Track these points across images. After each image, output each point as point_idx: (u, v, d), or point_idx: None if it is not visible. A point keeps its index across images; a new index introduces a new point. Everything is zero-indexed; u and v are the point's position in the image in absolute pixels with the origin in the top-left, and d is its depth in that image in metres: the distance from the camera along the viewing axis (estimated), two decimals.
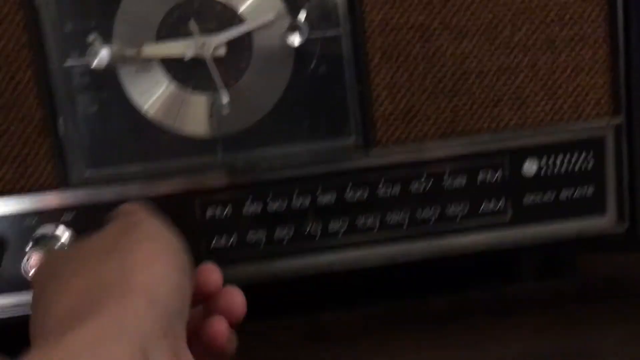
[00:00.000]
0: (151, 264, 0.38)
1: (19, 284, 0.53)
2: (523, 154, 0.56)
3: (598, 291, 0.57)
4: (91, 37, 0.51)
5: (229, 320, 0.44)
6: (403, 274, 0.61)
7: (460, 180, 0.56)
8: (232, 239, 0.56)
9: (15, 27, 0.52)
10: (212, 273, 0.45)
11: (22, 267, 0.53)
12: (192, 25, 0.52)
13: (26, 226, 0.54)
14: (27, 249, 0.53)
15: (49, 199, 0.54)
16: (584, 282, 0.59)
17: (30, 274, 0.52)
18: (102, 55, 0.51)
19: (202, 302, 0.45)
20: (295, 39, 0.52)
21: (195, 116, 0.54)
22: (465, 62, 0.55)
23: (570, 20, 0.55)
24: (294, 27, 0.52)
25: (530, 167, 0.56)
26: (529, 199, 0.57)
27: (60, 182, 0.54)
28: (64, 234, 0.54)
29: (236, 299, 0.45)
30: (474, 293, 0.58)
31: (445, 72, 0.55)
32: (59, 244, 0.53)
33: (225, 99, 0.53)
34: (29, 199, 0.54)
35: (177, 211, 0.54)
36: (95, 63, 0.51)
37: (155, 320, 0.36)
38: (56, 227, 0.54)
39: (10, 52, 0.52)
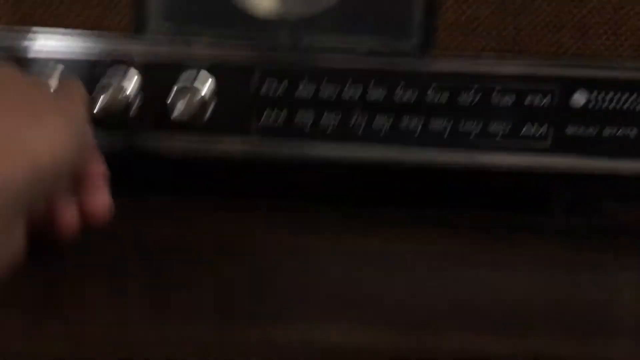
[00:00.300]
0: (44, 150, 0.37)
1: None
2: (575, 83, 0.56)
3: (621, 236, 0.57)
4: None
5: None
6: (435, 184, 0.62)
7: (508, 100, 0.57)
8: (281, 115, 0.58)
9: None
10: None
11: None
12: None
13: (100, 64, 0.57)
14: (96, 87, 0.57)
15: (124, 44, 0.57)
16: (609, 226, 0.59)
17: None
18: None
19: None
20: None
21: None
22: None
23: None
24: None
25: (579, 98, 0.56)
26: (571, 129, 0.57)
27: (138, 28, 0.57)
28: (132, 76, 0.57)
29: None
30: (500, 215, 0.59)
31: None
32: (127, 85, 0.57)
33: None
34: (107, 40, 0.57)
35: (237, 80, 0.57)
36: None
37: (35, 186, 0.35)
38: (126, 71, 0.57)
39: None
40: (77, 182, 0.44)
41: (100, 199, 0.44)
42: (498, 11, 0.55)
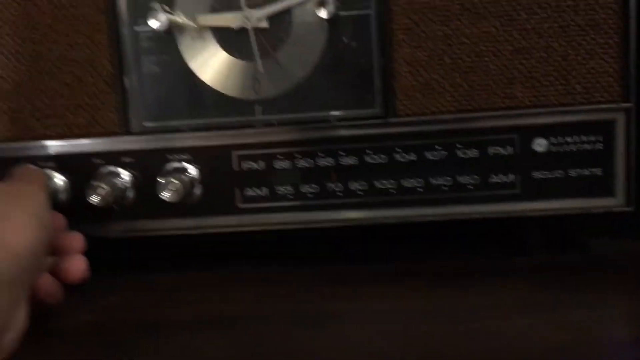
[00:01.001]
0: (18, 236, 0.42)
1: None
2: (533, 131, 0.57)
3: (603, 268, 0.56)
4: (154, 5, 0.57)
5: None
6: (414, 238, 0.63)
7: (473, 153, 0.58)
8: (263, 190, 0.60)
9: None
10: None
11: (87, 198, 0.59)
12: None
13: (93, 164, 0.60)
14: (93, 182, 0.60)
15: (112, 144, 0.60)
16: (589, 260, 0.58)
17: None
18: (162, 20, 0.57)
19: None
20: (323, 13, 0.55)
21: (239, 80, 0.59)
22: (482, 42, 0.56)
23: (584, 8, 0.55)
24: (322, 2, 0.56)
25: (540, 144, 0.57)
26: (538, 174, 0.58)
27: (123, 130, 0.60)
28: (123, 172, 0.60)
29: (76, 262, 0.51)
30: (480, 260, 0.59)
31: (463, 51, 0.57)
32: (119, 179, 0.60)
33: (262, 67, 0.58)
34: (97, 142, 0.60)
35: (218, 161, 0.59)
36: (155, 26, 0.57)
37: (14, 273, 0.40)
38: (117, 167, 0.60)
39: (90, 16, 0.59)
40: (55, 253, 0.51)
41: (76, 264, 0.51)
42: (450, 72, 0.57)
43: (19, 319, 0.43)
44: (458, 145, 0.57)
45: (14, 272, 0.41)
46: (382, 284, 0.56)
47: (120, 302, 0.55)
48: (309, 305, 0.52)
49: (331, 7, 0.54)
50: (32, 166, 0.57)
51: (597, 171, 0.56)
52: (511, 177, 0.57)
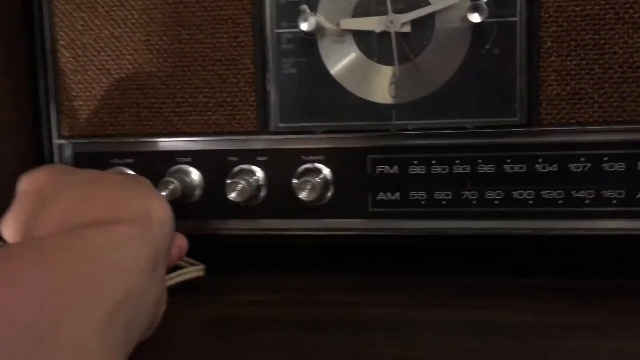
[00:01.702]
0: (165, 210, 0.43)
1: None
2: None
3: None
4: (303, 7, 0.56)
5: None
6: (552, 253, 0.59)
7: (619, 166, 0.53)
8: (396, 195, 0.57)
9: None
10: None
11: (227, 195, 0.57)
12: (386, 3, 0.55)
13: (229, 162, 0.59)
14: (228, 180, 0.58)
15: (249, 142, 0.59)
16: None
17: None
18: (310, 22, 0.55)
19: None
20: (476, 17, 0.53)
21: (377, 84, 0.57)
22: (636, 53, 0.52)
23: None
24: (475, 7, 0.53)
25: None
26: None
27: (260, 129, 0.58)
28: (257, 170, 0.58)
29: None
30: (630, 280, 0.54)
31: (615, 61, 0.53)
32: (254, 178, 0.58)
33: (401, 72, 0.55)
34: (234, 140, 0.59)
35: (352, 164, 0.57)
36: (304, 27, 0.55)
37: (166, 246, 0.42)
38: (251, 165, 0.59)
39: (237, 17, 0.58)
40: None
41: (180, 242, 0.51)
42: (600, 82, 0.53)
43: (163, 292, 0.43)
44: (604, 158, 0.53)
45: (167, 243, 0.42)
46: (524, 297, 0.52)
47: (253, 300, 0.53)
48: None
49: (484, 12, 0.51)
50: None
51: None
52: None
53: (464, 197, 0.55)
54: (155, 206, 0.43)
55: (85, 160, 0.59)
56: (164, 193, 0.55)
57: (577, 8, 0.52)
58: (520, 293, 0.52)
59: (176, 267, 0.53)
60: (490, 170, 0.54)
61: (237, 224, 0.58)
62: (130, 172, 0.57)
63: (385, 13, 0.54)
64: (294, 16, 0.55)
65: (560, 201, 0.53)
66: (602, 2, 0.51)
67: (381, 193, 0.56)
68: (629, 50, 0.51)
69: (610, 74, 0.52)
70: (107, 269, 0.35)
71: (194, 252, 0.54)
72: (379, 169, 0.56)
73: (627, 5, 0.51)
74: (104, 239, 0.37)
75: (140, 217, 0.41)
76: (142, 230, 0.40)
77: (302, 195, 0.54)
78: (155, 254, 0.40)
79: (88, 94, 0.59)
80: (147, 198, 0.43)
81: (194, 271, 0.54)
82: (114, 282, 0.35)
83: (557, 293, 0.52)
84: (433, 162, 0.55)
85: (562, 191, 0.53)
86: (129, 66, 0.58)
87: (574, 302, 0.51)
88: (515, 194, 0.54)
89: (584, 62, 0.52)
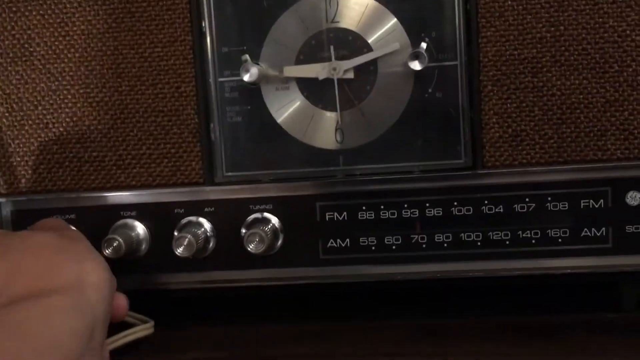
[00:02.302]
0: (100, 272, 0.42)
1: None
2: (626, 184, 0.53)
3: None
4: (244, 57, 0.55)
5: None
6: (499, 291, 0.59)
7: (563, 206, 0.54)
8: (346, 242, 0.56)
9: (184, 48, 0.56)
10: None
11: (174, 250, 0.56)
12: (329, 50, 0.55)
13: (175, 214, 0.57)
14: (175, 234, 0.57)
15: (195, 193, 0.57)
16: None
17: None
18: (252, 72, 0.54)
19: None
20: (416, 65, 0.53)
21: (322, 130, 0.56)
22: (573, 94, 0.53)
23: None
24: (415, 55, 0.53)
25: (633, 197, 0.53)
26: (631, 228, 0.53)
27: (206, 179, 0.57)
28: (204, 222, 0.57)
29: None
30: (571, 316, 0.55)
31: (554, 103, 0.53)
32: (202, 230, 0.56)
33: (346, 118, 0.55)
34: (180, 192, 0.57)
35: (301, 212, 0.56)
36: (246, 78, 0.54)
37: (103, 310, 0.41)
38: (198, 217, 0.57)
39: (178, 67, 0.57)
40: None
41: (120, 300, 0.49)
42: (540, 124, 0.53)
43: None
44: (548, 198, 0.53)
45: (105, 307, 0.41)
46: (474, 338, 0.51)
47: (202, 358, 0.51)
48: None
49: (424, 60, 0.52)
50: (51, 219, 0.54)
51: None
52: (603, 230, 0.53)
53: (413, 241, 0.54)
54: (89, 270, 0.41)
55: (25, 217, 0.56)
56: (107, 251, 0.52)
57: (515, 52, 0.52)
58: (471, 333, 0.52)
59: (125, 325, 0.51)
60: (438, 213, 0.54)
61: (186, 277, 0.56)
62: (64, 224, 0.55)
63: (328, 60, 0.53)
64: (237, 64, 0.54)
65: (507, 242, 0.53)
66: (539, 45, 0.52)
67: (331, 240, 0.55)
68: (566, 91, 0.52)
69: (550, 116, 0.53)
70: (39, 345, 0.34)
71: (143, 308, 0.52)
72: (328, 215, 0.55)
73: (562, 48, 0.52)
74: (36, 313, 0.36)
75: (73, 284, 0.39)
76: (75, 299, 0.39)
77: (251, 247, 0.53)
78: (92, 322, 0.39)
79: (26, 149, 0.56)
80: (80, 262, 0.42)
81: (142, 330, 0.52)
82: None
83: (507, 332, 0.52)
84: (382, 207, 0.54)
85: (508, 232, 0.53)
86: (68, 119, 0.56)
87: (523, 340, 0.51)
88: (464, 236, 0.54)
89: (523, 104, 0.53)
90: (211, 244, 0.56)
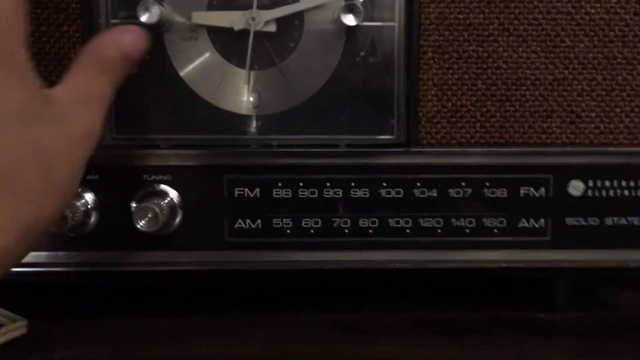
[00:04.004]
0: None
1: None
2: (570, 172, 0.47)
3: (635, 327, 0.47)
4: None
5: None
6: (429, 283, 0.52)
7: (501, 192, 0.47)
8: (257, 223, 0.47)
9: None
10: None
11: None
12: None
13: None
14: None
15: None
16: (622, 317, 0.48)
17: None
18: (154, 12, 0.44)
19: None
20: (350, 20, 0.44)
21: (235, 91, 0.47)
22: (520, 68, 0.46)
23: (633, 40, 0.46)
24: (350, 8, 0.44)
25: (576, 187, 0.47)
26: (571, 220, 0.48)
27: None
28: (86, 193, 0.46)
29: None
30: (503, 312, 0.49)
31: (499, 77, 0.46)
32: (82, 202, 0.45)
33: (264, 78, 0.46)
34: None
35: (205, 186, 0.46)
36: (145, 19, 0.43)
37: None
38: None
39: (61, 2, 0.45)
40: None
41: None
42: (483, 99, 0.46)
43: None
44: (486, 183, 0.46)
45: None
46: (398, 334, 0.44)
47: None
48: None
49: (360, 14, 0.43)
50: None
51: (636, 220, 0.47)
52: (542, 222, 0.47)
53: (335, 225, 0.46)
54: None
55: None
56: None
57: (460, 16, 0.45)
58: (393, 329, 0.45)
59: None
60: (364, 195, 0.46)
61: (59, 258, 0.45)
62: None
63: (246, 8, 0.44)
64: (134, 3, 0.43)
65: (439, 230, 0.46)
66: (487, 10, 0.45)
67: (240, 220, 0.46)
68: (512, 65, 0.45)
69: (493, 91, 0.46)
70: None
71: (11, 303, 0.41)
72: (237, 191, 0.45)
73: (512, 16, 0.45)
74: None
75: None
76: None
77: (142, 224, 0.43)
78: None
79: None
80: None
81: (13, 329, 0.41)
82: None
83: (431, 328, 0.45)
84: (300, 184, 0.46)
85: (440, 219, 0.46)
86: None
87: (450, 338, 0.45)
88: (391, 222, 0.46)
89: (466, 76, 0.45)
90: (92, 219, 0.45)
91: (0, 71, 0.32)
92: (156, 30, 0.44)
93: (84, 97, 0.36)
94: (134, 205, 0.45)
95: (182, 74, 0.45)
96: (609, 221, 0.47)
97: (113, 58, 0.38)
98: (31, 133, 0.32)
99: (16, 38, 0.33)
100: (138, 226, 0.43)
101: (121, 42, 0.39)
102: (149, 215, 0.43)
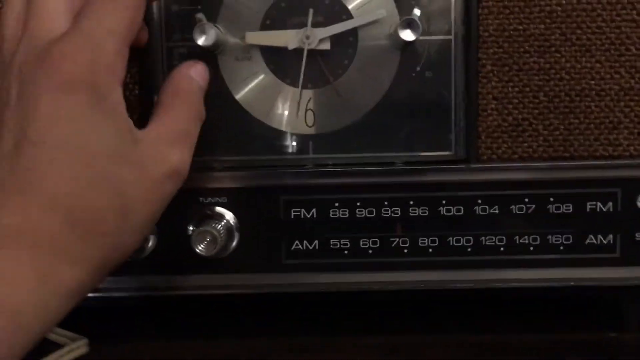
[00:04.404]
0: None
1: None
2: (639, 186, 0.45)
3: None
4: (199, 16, 0.43)
5: None
6: (492, 304, 0.50)
7: (567, 208, 0.45)
8: (314, 244, 0.46)
9: None
10: None
11: None
12: (301, 15, 0.44)
13: None
14: None
15: None
16: None
17: None
18: (210, 34, 0.43)
19: None
20: (408, 35, 0.43)
21: (290, 111, 0.46)
22: (584, 79, 0.44)
23: None
24: (408, 23, 0.43)
25: None
26: None
27: None
28: None
29: None
30: (573, 335, 0.46)
31: (562, 88, 0.45)
32: None
33: (319, 97, 0.45)
34: None
35: (261, 207, 0.45)
36: (201, 41, 0.43)
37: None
38: None
39: None
40: None
41: None
42: (545, 112, 0.45)
43: None
44: (550, 199, 0.44)
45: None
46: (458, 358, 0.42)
47: None
48: None
49: (418, 28, 0.42)
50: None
51: None
52: (610, 238, 0.44)
53: (393, 244, 0.45)
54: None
55: None
56: None
57: (520, 27, 0.43)
58: (453, 351, 0.43)
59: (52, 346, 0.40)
60: (423, 213, 0.44)
61: (118, 283, 0.45)
62: None
63: (299, 26, 0.43)
64: (189, 27, 0.42)
65: (501, 248, 0.44)
66: (548, 20, 0.43)
67: (297, 242, 0.45)
68: (576, 76, 0.43)
69: (556, 103, 0.44)
70: None
71: (72, 323, 0.41)
72: (294, 212, 0.44)
73: (574, 25, 0.43)
74: None
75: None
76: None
77: (200, 248, 0.42)
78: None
79: None
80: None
81: (75, 349, 0.41)
82: None
83: (495, 351, 0.43)
84: (357, 204, 0.44)
85: (503, 237, 0.44)
86: None
87: None
88: (452, 240, 0.45)
89: (527, 89, 0.44)
90: (150, 243, 0.44)
91: (95, 112, 0.32)
92: (211, 52, 0.43)
93: (172, 136, 0.36)
94: (191, 228, 0.44)
95: (236, 95, 0.45)
96: None
97: (192, 90, 0.38)
98: (115, 175, 0.32)
99: (113, 79, 0.33)
100: (197, 250, 0.42)
101: (192, 75, 0.39)
102: (208, 239, 0.42)
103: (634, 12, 0.43)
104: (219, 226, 0.44)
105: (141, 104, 0.44)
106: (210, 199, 0.45)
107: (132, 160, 0.33)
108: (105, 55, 0.34)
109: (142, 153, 0.34)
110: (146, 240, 0.44)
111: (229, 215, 0.45)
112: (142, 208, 0.33)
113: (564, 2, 0.43)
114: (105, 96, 0.33)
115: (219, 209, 0.45)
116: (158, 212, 0.35)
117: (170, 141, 0.36)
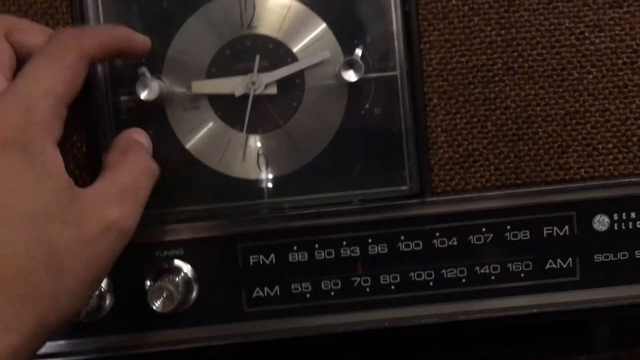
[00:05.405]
0: None
1: None
2: (593, 207, 0.45)
3: None
4: (141, 70, 0.43)
5: None
6: (457, 336, 0.49)
7: (524, 235, 0.45)
8: (275, 289, 0.45)
9: None
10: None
11: None
12: (247, 61, 0.44)
13: None
14: None
15: None
16: None
17: None
18: (152, 88, 0.42)
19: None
20: (351, 76, 0.43)
21: (242, 158, 0.45)
22: (530, 106, 0.45)
23: None
24: (350, 64, 0.43)
25: (601, 221, 0.45)
26: (600, 257, 0.45)
27: None
28: None
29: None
30: (541, 358, 0.46)
31: (508, 117, 0.45)
32: None
33: (269, 141, 0.44)
34: None
35: (219, 257, 0.44)
36: (144, 95, 0.42)
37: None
38: None
39: None
40: None
41: None
42: (494, 141, 0.44)
43: None
44: (507, 227, 0.44)
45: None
46: None
47: None
48: None
49: (360, 69, 0.41)
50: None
51: None
52: (570, 261, 0.44)
53: (355, 284, 0.44)
54: None
55: None
56: None
57: (463, 59, 0.43)
58: None
59: None
60: (382, 250, 0.44)
61: (76, 346, 0.43)
62: None
63: (245, 72, 0.42)
64: (134, 80, 0.42)
65: (463, 280, 0.44)
66: (489, 51, 0.43)
67: (257, 289, 0.44)
68: (521, 103, 0.43)
69: (504, 132, 0.44)
70: None
71: None
72: (252, 259, 0.43)
73: (515, 54, 0.43)
74: None
75: None
76: None
77: (157, 305, 0.40)
78: None
79: None
80: None
81: None
82: None
83: None
84: (316, 246, 0.43)
85: (464, 268, 0.44)
86: None
87: None
88: (414, 275, 0.44)
89: (474, 119, 0.43)
90: (107, 302, 0.43)
91: (26, 172, 0.31)
92: (157, 105, 0.43)
93: (115, 192, 0.35)
94: (148, 283, 0.43)
95: (186, 144, 0.44)
96: (639, 254, 0.44)
97: (137, 148, 0.37)
98: (48, 235, 0.31)
99: (48, 139, 0.32)
100: (154, 307, 0.41)
101: (136, 137, 0.38)
102: (164, 295, 0.41)
103: (573, 37, 0.43)
104: (177, 279, 0.42)
105: (90, 162, 0.43)
106: (166, 252, 0.44)
107: (66, 218, 0.32)
108: (39, 115, 0.33)
109: (79, 211, 0.33)
110: (103, 298, 0.43)
111: (187, 268, 0.44)
112: (79, 266, 0.32)
113: (503, 32, 0.43)
114: (37, 156, 0.32)
115: (176, 261, 0.44)
116: (100, 271, 0.34)
117: (112, 197, 0.34)
